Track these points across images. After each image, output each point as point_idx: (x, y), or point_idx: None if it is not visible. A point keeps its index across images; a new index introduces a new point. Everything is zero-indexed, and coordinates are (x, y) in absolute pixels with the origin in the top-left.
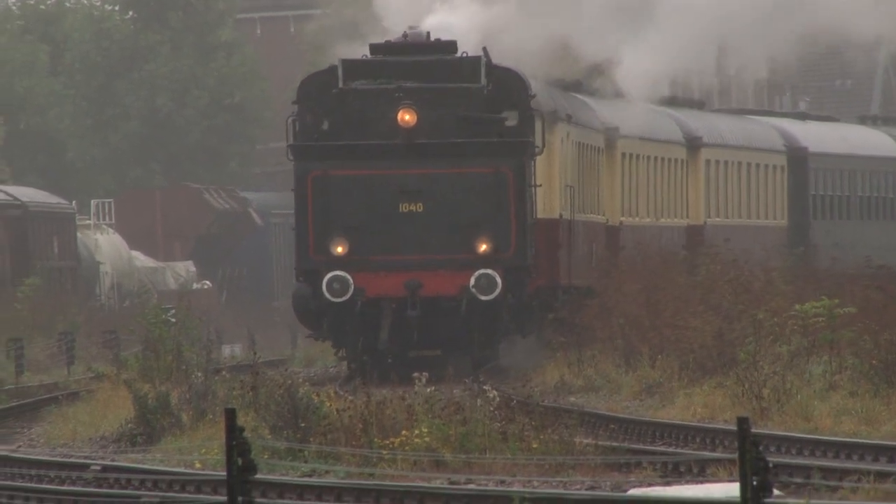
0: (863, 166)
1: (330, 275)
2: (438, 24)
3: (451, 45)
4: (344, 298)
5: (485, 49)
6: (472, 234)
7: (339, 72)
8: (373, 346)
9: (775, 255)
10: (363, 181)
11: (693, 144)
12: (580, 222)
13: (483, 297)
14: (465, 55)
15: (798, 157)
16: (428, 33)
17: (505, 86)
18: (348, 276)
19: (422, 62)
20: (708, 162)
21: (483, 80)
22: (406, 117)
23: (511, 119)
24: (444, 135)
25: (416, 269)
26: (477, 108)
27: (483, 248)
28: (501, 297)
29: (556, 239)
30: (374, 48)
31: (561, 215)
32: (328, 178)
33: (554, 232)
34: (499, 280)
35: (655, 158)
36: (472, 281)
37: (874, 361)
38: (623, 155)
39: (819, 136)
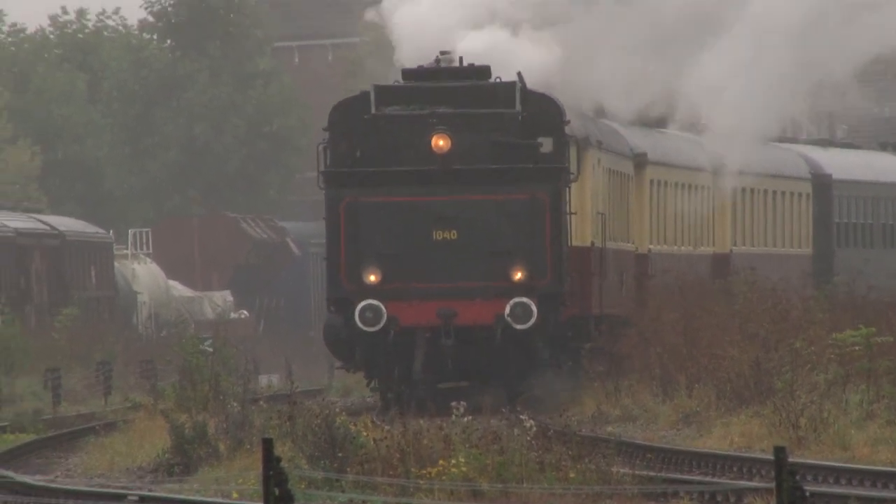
0: (886, 193)
1: (363, 304)
2: (474, 48)
3: (484, 71)
4: (377, 328)
5: (519, 74)
6: (507, 262)
7: (372, 97)
8: (406, 377)
9: (802, 284)
10: (396, 208)
11: (719, 171)
12: (611, 250)
13: (518, 326)
14: (498, 80)
15: (822, 185)
16: (461, 58)
17: (540, 111)
18: (381, 305)
19: (455, 87)
20: (734, 189)
21: (518, 106)
22: (440, 143)
23: (546, 145)
24: (479, 161)
25: (450, 298)
26: (511, 134)
27: (518, 276)
28: (537, 326)
29: (588, 267)
30: (407, 74)
31: (593, 243)
32: (360, 205)
33: (586, 260)
34: (534, 308)
35: (682, 185)
36: (508, 309)
37: None
38: (651, 181)
39: (843, 163)
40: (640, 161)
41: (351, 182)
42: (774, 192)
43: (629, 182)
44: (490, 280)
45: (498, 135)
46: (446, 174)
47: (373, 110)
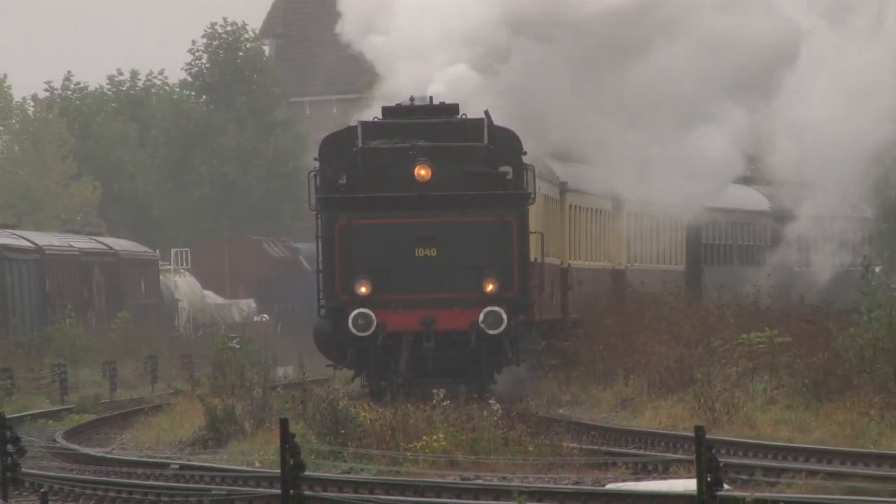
0: (743, 219)
1: (355, 312)
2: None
3: (453, 108)
4: (368, 333)
5: (486, 112)
6: (480, 276)
7: (359, 132)
8: (393, 375)
9: (678, 293)
10: (383, 229)
11: (616, 201)
12: (546, 264)
13: (491, 332)
14: (465, 116)
15: (695, 212)
16: (431, 98)
17: (503, 144)
18: (371, 313)
19: (431, 123)
20: (629, 216)
21: (486, 140)
22: (422, 172)
23: (508, 173)
24: (454, 187)
25: (430, 307)
26: (480, 164)
27: (490, 287)
28: (506, 330)
29: (533, 280)
30: (387, 111)
31: (535, 259)
32: (353, 227)
33: (532, 274)
34: (504, 316)
35: (591, 210)
36: (481, 317)
37: (806, 381)
38: (570, 206)
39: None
40: (562, 188)
41: (345, 206)
42: (659, 219)
43: (555, 205)
44: (465, 291)
45: (470, 165)
46: (427, 199)
47: (360, 143)
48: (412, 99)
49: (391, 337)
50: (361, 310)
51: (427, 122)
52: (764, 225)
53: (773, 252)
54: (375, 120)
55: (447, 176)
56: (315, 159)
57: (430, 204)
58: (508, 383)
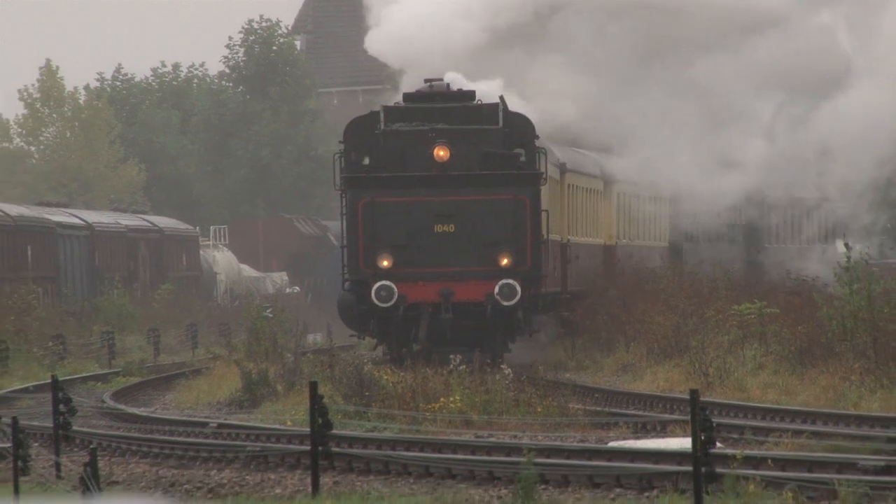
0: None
1: (378, 284)
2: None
3: (470, 94)
4: (389, 304)
5: (502, 97)
6: (495, 250)
7: (381, 116)
8: (413, 343)
9: (664, 267)
10: (405, 206)
11: (608, 180)
12: (550, 240)
13: (505, 303)
14: (480, 102)
15: (677, 192)
16: (448, 84)
17: (517, 127)
18: (393, 286)
19: (450, 108)
20: (621, 195)
21: (501, 123)
22: (441, 153)
23: (522, 155)
24: (471, 168)
25: (448, 280)
26: (495, 146)
27: (505, 261)
28: (520, 302)
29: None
30: (407, 97)
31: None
32: (377, 204)
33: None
34: (518, 288)
35: (586, 189)
36: (497, 289)
37: (792, 348)
38: (568, 185)
39: None
40: (562, 169)
41: (369, 185)
42: (647, 198)
43: (556, 185)
44: (482, 265)
45: (485, 146)
46: (446, 179)
47: (382, 127)
48: (430, 84)
49: (411, 308)
50: (384, 282)
51: (445, 107)
52: (738, 208)
53: (748, 232)
54: (396, 105)
55: (465, 157)
56: (340, 142)
57: (448, 183)
58: (519, 350)
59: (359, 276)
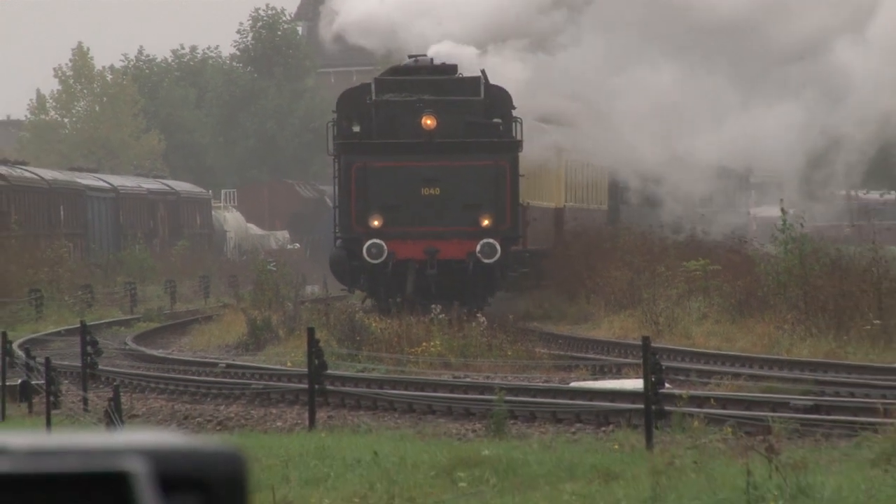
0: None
1: (369, 242)
2: (440, 52)
3: (453, 68)
4: (380, 260)
5: (483, 71)
6: (477, 212)
7: (372, 87)
8: (401, 296)
9: (605, 227)
10: (394, 171)
11: (559, 149)
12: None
13: (486, 261)
14: (461, 75)
15: (613, 160)
16: (431, 59)
17: (497, 99)
18: (383, 243)
19: (436, 80)
20: (569, 163)
21: (482, 95)
22: (428, 122)
23: (501, 124)
24: (456, 136)
25: (434, 239)
26: (477, 116)
27: (486, 222)
28: (499, 260)
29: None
30: (394, 70)
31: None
32: (368, 168)
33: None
34: (498, 247)
35: (540, 157)
36: (478, 248)
37: (732, 301)
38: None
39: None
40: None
41: (361, 150)
42: (585, 165)
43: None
44: (464, 225)
45: (468, 116)
46: (433, 145)
47: (373, 97)
48: (416, 59)
49: (399, 264)
50: (375, 240)
51: (432, 79)
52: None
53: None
54: (386, 77)
55: (450, 125)
56: (333, 111)
57: (435, 149)
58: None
59: (351, 235)
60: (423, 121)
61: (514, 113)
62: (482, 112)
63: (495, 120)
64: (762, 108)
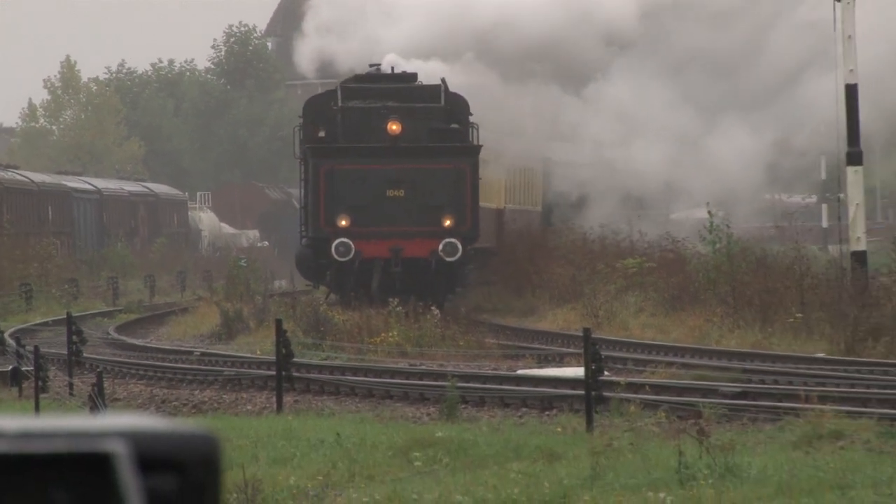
0: (585, 172)
1: (337, 241)
2: (394, 60)
3: (413, 76)
4: (347, 258)
5: (443, 79)
6: (439, 213)
7: (339, 94)
8: (367, 293)
9: (540, 228)
10: (361, 173)
11: (499, 154)
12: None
13: (448, 259)
14: (421, 83)
15: (547, 165)
16: (392, 67)
17: (455, 105)
18: (350, 242)
19: (399, 88)
20: (509, 167)
21: (443, 102)
22: (394, 127)
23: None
24: (419, 140)
25: (398, 238)
26: (438, 121)
27: (448, 223)
28: (460, 258)
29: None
30: (358, 77)
31: None
32: (336, 171)
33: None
34: (459, 247)
35: (483, 161)
36: (440, 247)
37: (666, 295)
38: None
39: (555, 150)
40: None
41: (330, 154)
42: (527, 170)
43: None
44: (427, 226)
45: (431, 122)
46: (398, 149)
47: (339, 103)
48: (377, 67)
49: (366, 262)
50: (342, 239)
51: (396, 87)
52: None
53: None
54: (352, 85)
55: (414, 130)
56: (299, 117)
57: (400, 153)
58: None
59: (320, 234)
60: (389, 126)
61: (471, 119)
62: (443, 118)
63: (453, 126)
64: (723, 136)
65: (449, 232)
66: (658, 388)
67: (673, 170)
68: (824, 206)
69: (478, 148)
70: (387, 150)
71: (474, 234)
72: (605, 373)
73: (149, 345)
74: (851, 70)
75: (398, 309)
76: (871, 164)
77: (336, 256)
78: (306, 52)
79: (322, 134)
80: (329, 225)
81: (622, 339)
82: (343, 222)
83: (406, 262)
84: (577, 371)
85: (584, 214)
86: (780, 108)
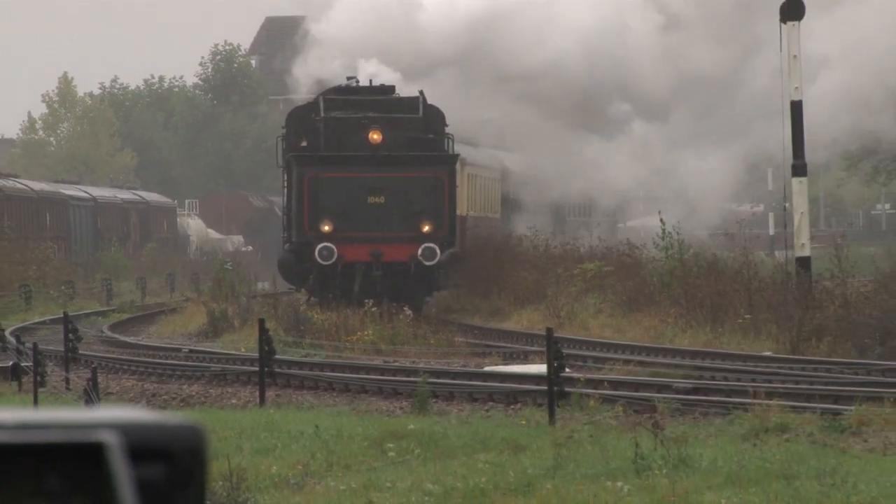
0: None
1: (321, 245)
2: (375, 72)
3: (391, 88)
4: (330, 262)
5: (421, 92)
6: (418, 219)
7: (321, 104)
8: (348, 295)
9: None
10: (343, 181)
11: (463, 163)
12: None
13: (427, 263)
14: (399, 95)
15: (504, 174)
16: (370, 80)
17: (432, 116)
18: (333, 247)
19: (379, 99)
20: (470, 176)
21: (421, 113)
22: (374, 136)
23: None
24: (399, 149)
25: (379, 243)
26: (417, 132)
27: (426, 228)
28: (439, 263)
29: None
30: (338, 89)
31: None
32: (319, 179)
33: None
34: (438, 251)
35: None
36: (419, 251)
37: (623, 297)
38: None
39: (514, 162)
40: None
41: (313, 162)
42: (488, 178)
43: None
44: (407, 231)
45: (409, 132)
46: (379, 158)
47: (322, 114)
48: (356, 81)
49: (348, 266)
50: (326, 244)
51: (376, 99)
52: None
53: (554, 208)
54: (333, 97)
55: (394, 140)
56: (282, 127)
57: (381, 162)
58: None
59: (303, 239)
60: (371, 135)
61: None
62: (421, 128)
63: (430, 136)
64: (697, 156)
65: (427, 237)
66: (616, 384)
67: (641, 186)
68: (771, 215)
69: (455, 157)
70: (368, 158)
71: (451, 239)
72: (567, 370)
73: (140, 342)
74: (797, 87)
75: (373, 309)
76: (815, 176)
77: (319, 260)
78: (302, 76)
79: (305, 143)
80: (312, 230)
81: (582, 338)
82: (326, 227)
83: (386, 266)
84: (541, 368)
85: (538, 220)
86: (750, 137)
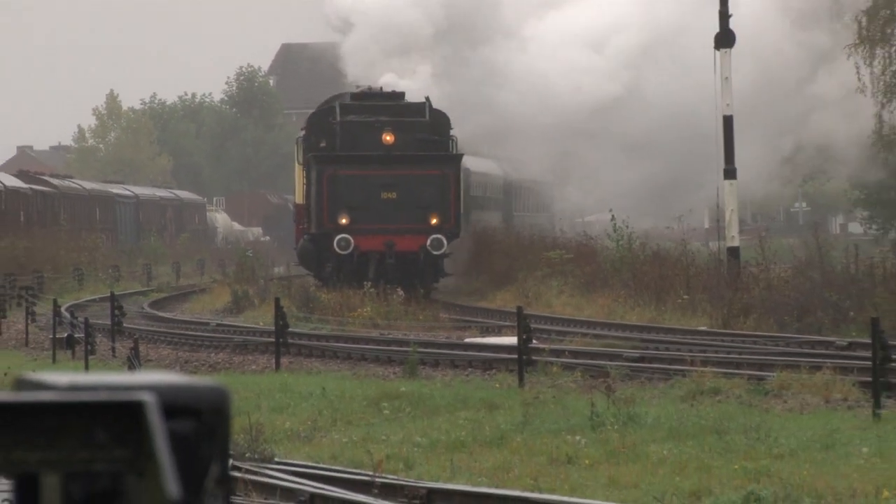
0: (529, 185)
1: (339, 236)
2: (390, 81)
3: (401, 94)
4: (347, 251)
5: (427, 98)
6: (427, 212)
7: (337, 109)
8: (363, 282)
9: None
10: (359, 178)
11: (466, 172)
12: None
13: (435, 252)
14: (408, 101)
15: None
16: (381, 87)
17: (438, 120)
18: (350, 237)
19: (390, 104)
20: (467, 172)
21: (428, 117)
22: (388, 138)
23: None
24: (409, 149)
25: (391, 234)
26: (424, 133)
27: (434, 221)
28: (445, 252)
29: None
30: (354, 95)
31: None
32: (337, 176)
33: None
34: (445, 242)
35: None
36: (428, 242)
37: (581, 280)
38: None
39: (475, 164)
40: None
41: (333, 161)
42: (486, 181)
43: None
44: (417, 223)
45: (418, 134)
46: (392, 157)
47: (338, 118)
48: (370, 88)
49: (363, 255)
50: (344, 235)
51: (387, 104)
52: (538, 190)
53: (505, 204)
54: (348, 102)
55: (405, 141)
56: (302, 129)
57: (393, 161)
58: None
59: (322, 230)
60: (384, 137)
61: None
62: (428, 130)
63: (435, 137)
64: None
65: (435, 229)
66: (575, 354)
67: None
68: (706, 211)
69: (460, 156)
70: (382, 157)
71: (457, 230)
72: (534, 341)
73: (175, 317)
74: (728, 104)
75: (371, 290)
76: (745, 178)
77: (338, 250)
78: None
79: (323, 144)
80: (331, 222)
81: (547, 314)
82: (343, 220)
83: (398, 255)
84: (512, 340)
85: (492, 215)
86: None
